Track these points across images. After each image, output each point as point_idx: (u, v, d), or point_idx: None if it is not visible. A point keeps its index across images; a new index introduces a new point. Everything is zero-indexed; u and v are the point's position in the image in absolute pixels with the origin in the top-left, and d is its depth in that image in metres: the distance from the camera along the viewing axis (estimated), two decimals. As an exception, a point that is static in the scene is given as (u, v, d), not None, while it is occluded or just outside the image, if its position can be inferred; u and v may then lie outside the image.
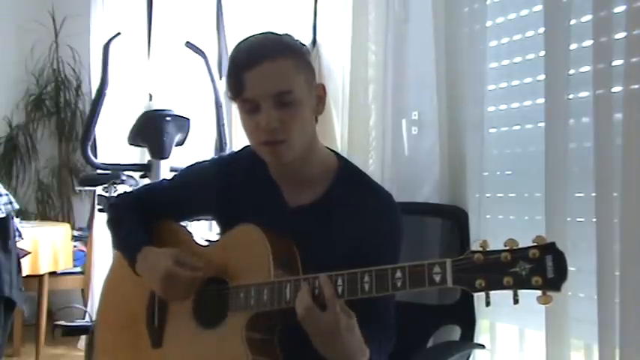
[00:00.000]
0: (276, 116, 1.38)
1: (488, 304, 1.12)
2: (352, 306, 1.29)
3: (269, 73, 1.38)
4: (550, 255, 1.09)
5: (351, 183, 1.52)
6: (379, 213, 1.48)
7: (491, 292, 1.12)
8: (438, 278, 1.16)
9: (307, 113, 1.44)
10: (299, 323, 1.31)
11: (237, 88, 1.41)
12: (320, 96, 1.49)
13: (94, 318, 1.87)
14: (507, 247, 1.12)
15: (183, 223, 1.72)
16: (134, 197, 1.74)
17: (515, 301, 1.10)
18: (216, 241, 1.61)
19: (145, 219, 1.64)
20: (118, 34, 3.43)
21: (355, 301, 1.27)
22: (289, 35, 1.48)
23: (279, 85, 1.39)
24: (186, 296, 1.50)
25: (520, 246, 1.11)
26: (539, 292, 1.08)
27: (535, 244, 1.10)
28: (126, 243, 1.62)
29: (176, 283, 1.47)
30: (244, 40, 1.46)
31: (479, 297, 1.93)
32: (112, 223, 1.70)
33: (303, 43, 1.51)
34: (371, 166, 2.47)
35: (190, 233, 1.65)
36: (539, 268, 1.08)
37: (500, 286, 1.11)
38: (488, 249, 1.13)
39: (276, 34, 1.48)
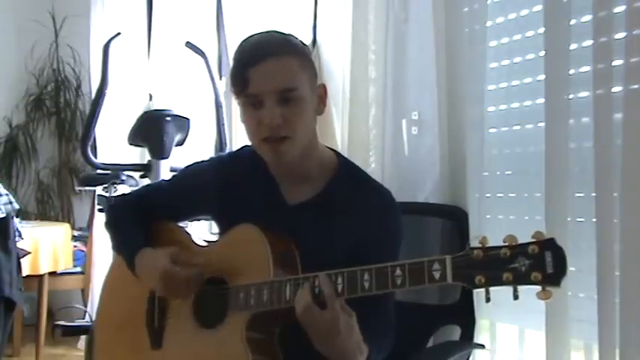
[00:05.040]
0: (280, 113, 1.39)
1: (488, 300, 1.12)
2: (352, 303, 1.30)
3: (274, 69, 1.39)
4: (549, 251, 1.09)
5: (349, 180, 1.52)
6: (378, 209, 1.48)
7: (491, 290, 1.12)
8: (437, 275, 1.17)
9: (309, 112, 1.45)
10: (299, 322, 1.32)
11: (241, 84, 1.41)
12: (321, 96, 1.50)
13: (94, 318, 1.87)
14: (506, 244, 1.12)
15: (182, 224, 1.72)
16: (133, 199, 1.74)
17: (515, 297, 1.11)
18: (216, 241, 1.61)
19: (143, 221, 1.64)
20: (118, 34, 3.43)
21: (355, 298, 1.28)
22: (292, 35, 1.49)
23: (284, 81, 1.40)
24: (186, 294, 1.50)
25: (519, 242, 1.12)
26: (539, 289, 1.09)
27: (534, 240, 1.11)
28: (124, 247, 1.62)
29: (175, 282, 1.46)
30: (249, 37, 1.48)
31: (479, 297, 1.93)
32: (111, 226, 1.70)
33: (305, 43, 1.52)
34: (371, 165, 2.47)
35: (189, 234, 1.65)
36: (539, 264, 1.09)
37: (500, 282, 1.12)
38: (487, 245, 1.14)
39: (281, 32, 1.49)
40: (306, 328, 1.29)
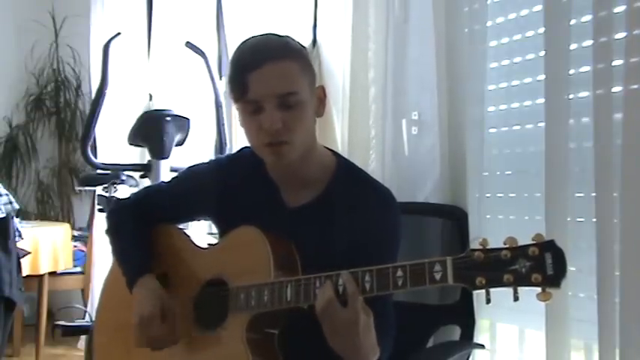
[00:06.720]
0: (280, 117, 1.38)
1: (488, 301, 1.13)
2: None
3: (274, 74, 1.38)
4: (549, 252, 1.10)
5: (349, 181, 1.52)
6: (377, 209, 1.48)
7: (492, 290, 1.13)
8: (438, 276, 1.17)
9: (309, 115, 1.44)
10: (299, 324, 1.32)
11: (240, 90, 1.40)
12: (320, 98, 1.49)
13: (94, 318, 1.87)
14: (507, 245, 1.13)
15: (181, 225, 1.72)
16: (133, 203, 1.72)
17: (516, 299, 1.11)
18: (217, 243, 1.61)
19: (143, 226, 1.63)
20: (118, 34, 3.42)
21: None
22: (290, 37, 1.48)
23: (284, 86, 1.38)
24: (148, 345, 1.50)
25: (520, 244, 1.12)
26: (539, 290, 1.09)
27: (534, 241, 1.11)
28: (127, 262, 1.61)
29: (150, 329, 1.48)
30: (246, 41, 1.46)
31: (479, 297, 1.93)
32: (112, 233, 1.69)
33: (303, 45, 1.50)
34: (371, 165, 2.47)
35: (189, 236, 1.65)
36: (539, 266, 1.10)
37: (501, 284, 1.12)
38: (488, 247, 1.14)
39: (278, 35, 1.47)
40: (324, 325, 1.27)
